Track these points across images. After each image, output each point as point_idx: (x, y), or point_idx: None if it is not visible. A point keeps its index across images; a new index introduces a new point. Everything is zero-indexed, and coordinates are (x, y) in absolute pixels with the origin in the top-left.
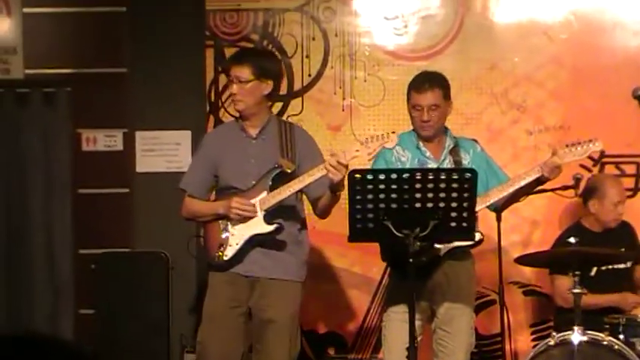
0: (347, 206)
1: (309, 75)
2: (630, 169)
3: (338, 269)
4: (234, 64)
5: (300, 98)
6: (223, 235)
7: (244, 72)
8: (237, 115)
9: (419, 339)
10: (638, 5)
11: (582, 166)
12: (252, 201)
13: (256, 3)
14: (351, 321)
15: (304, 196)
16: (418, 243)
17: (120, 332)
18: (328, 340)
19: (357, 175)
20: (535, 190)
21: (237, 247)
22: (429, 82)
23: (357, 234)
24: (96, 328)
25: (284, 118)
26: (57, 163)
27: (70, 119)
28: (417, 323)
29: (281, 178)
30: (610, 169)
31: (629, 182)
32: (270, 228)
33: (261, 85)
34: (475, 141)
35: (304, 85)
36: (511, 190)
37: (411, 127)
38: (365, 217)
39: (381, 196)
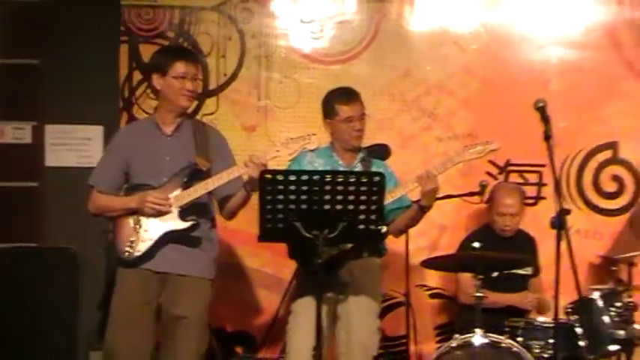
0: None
1: (225, 75)
2: (533, 177)
3: (249, 269)
4: (187, 61)
5: (215, 97)
6: (135, 231)
7: (197, 69)
8: (181, 109)
9: (324, 334)
10: (542, 21)
11: (488, 173)
12: (168, 196)
13: (173, 0)
14: (260, 320)
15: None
16: (326, 248)
17: (25, 329)
18: (237, 339)
19: (268, 176)
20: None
21: (151, 242)
22: (353, 93)
23: (267, 234)
24: (3, 326)
25: (198, 116)
26: None
27: None
28: (323, 323)
29: (195, 176)
30: (514, 177)
31: (532, 190)
32: (186, 224)
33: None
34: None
35: (219, 84)
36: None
37: (324, 144)
38: (275, 218)
39: (292, 197)
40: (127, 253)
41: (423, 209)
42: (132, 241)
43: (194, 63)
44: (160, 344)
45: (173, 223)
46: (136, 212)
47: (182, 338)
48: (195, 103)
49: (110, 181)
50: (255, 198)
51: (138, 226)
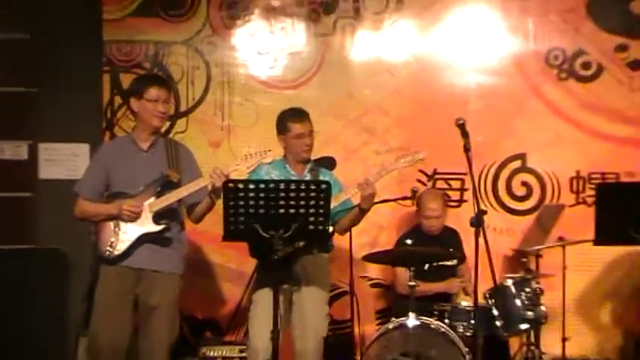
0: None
1: (193, 99)
2: (456, 184)
3: (215, 265)
4: (160, 86)
5: (185, 118)
6: (115, 233)
7: (168, 94)
8: (154, 129)
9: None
10: (462, 52)
11: (419, 180)
12: (143, 204)
13: (147, 35)
14: (226, 309)
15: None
16: (281, 246)
17: (21, 319)
18: (206, 325)
19: (231, 185)
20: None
21: (129, 243)
22: (303, 112)
23: (231, 234)
24: (3, 317)
25: (171, 135)
26: None
27: None
28: (280, 310)
29: (167, 186)
30: (441, 184)
31: (456, 195)
32: (159, 227)
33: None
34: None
35: (189, 107)
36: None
37: (278, 157)
38: (237, 220)
39: (251, 202)
40: (107, 253)
41: (363, 211)
42: (112, 242)
43: (165, 88)
44: (137, 329)
45: (148, 226)
46: (116, 217)
47: (156, 324)
48: (168, 123)
49: (93, 189)
50: (219, 204)
51: (117, 229)
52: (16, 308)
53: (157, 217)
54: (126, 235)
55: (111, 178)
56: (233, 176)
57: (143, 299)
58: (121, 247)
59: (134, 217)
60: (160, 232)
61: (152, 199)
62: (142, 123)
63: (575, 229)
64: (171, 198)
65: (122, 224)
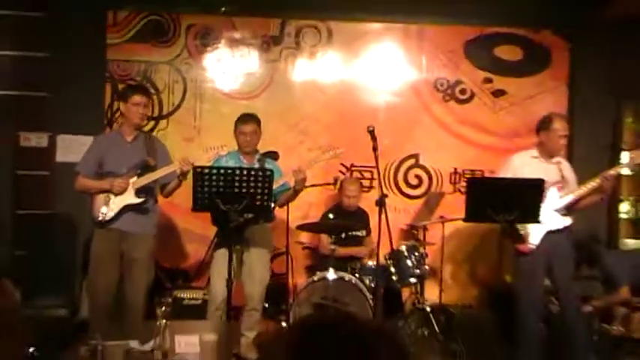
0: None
1: (173, 104)
2: (368, 174)
3: (185, 230)
4: (142, 94)
5: (167, 120)
6: (105, 203)
7: (147, 100)
8: (136, 125)
9: (234, 272)
10: (375, 78)
11: (340, 171)
12: (128, 181)
13: (140, 57)
14: (193, 263)
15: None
16: (236, 216)
17: (42, 267)
18: (178, 274)
19: (199, 169)
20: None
21: (116, 210)
22: (248, 117)
23: (198, 206)
24: (28, 264)
25: (155, 131)
26: (2, 154)
27: (13, 125)
28: (234, 265)
29: (146, 169)
30: (356, 174)
31: (367, 182)
32: (139, 200)
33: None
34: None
35: (169, 111)
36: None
37: (236, 148)
38: (203, 196)
39: (214, 183)
40: (100, 218)
41: (297, 192)
42: (103, 210)
43: (146, 96)
44: (122, 276)
45: (131, 198)
46: (107, 191)
47: (137, 272)
48: (153, 122)
49: (90, 168)
50: (185, 183)
51: (107, 200)
52: (38, 258)
53: (138, 192)
54: (114, 205)
55: (103, 161)
56: (198, 163)
57: (127, 254)
58: (110, 214)
59: (122, 191)
60: (140, 203)
61: (135, 179)
62: (127, 121)
63: (451, 210)
64: (149, 178)
65: (112, 196)
